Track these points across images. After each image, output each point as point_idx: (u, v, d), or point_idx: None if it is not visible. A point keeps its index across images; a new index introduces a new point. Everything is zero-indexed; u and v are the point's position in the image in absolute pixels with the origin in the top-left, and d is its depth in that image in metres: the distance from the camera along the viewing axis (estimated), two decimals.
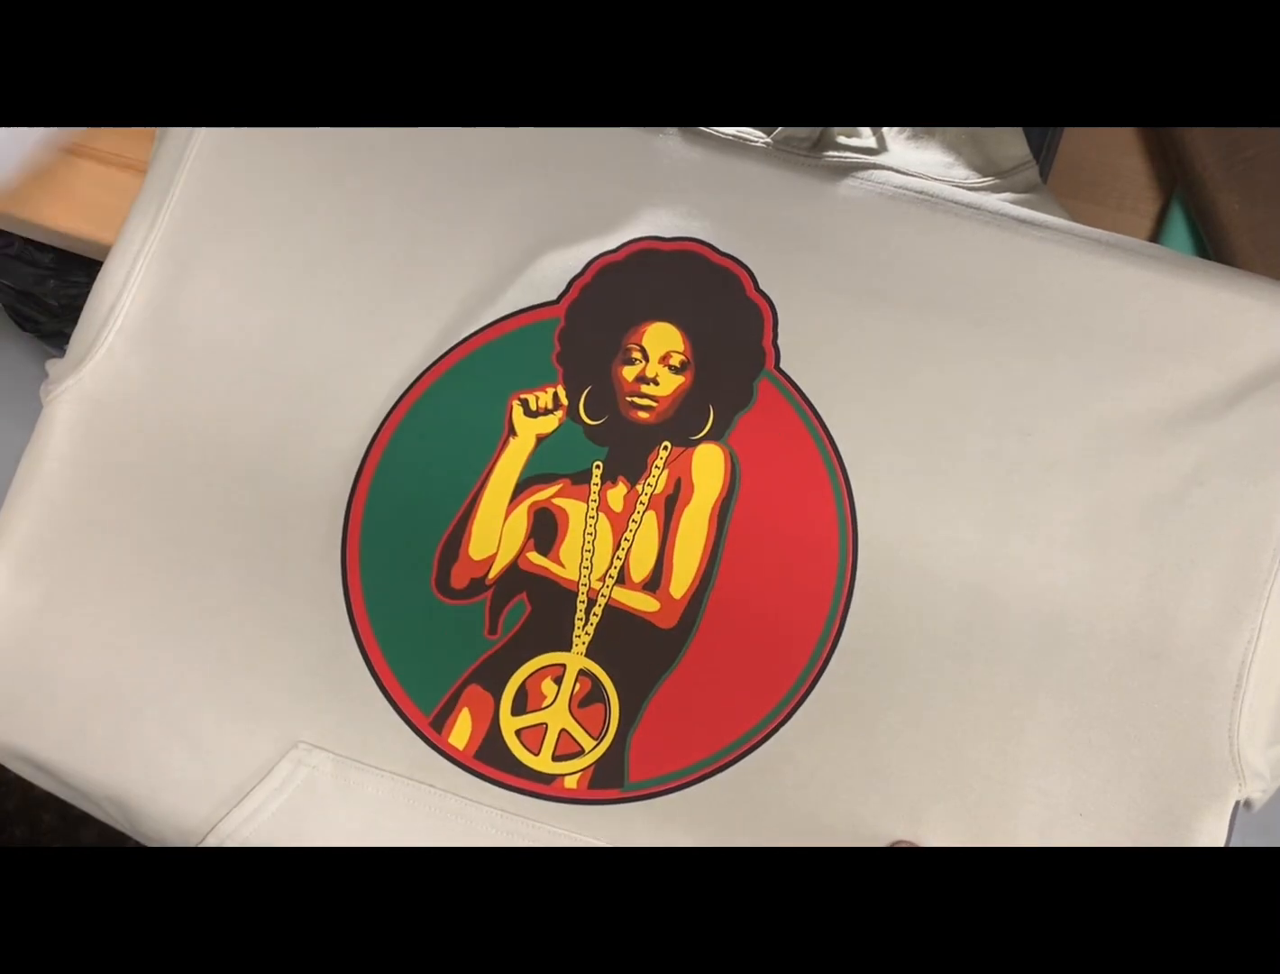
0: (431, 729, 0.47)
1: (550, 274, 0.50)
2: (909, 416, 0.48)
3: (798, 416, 0.48)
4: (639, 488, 0.48)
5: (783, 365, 0.49)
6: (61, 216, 0.62)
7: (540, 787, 0.47)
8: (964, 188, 0.52)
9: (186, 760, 0.48)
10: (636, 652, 0.47)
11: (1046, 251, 0.49)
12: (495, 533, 0.48)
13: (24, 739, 0.49)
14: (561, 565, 0.48)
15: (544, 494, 0.48)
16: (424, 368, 0.50)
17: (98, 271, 0.52)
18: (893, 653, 0.46)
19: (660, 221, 0.51)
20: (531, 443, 0.49)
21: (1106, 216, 0.56)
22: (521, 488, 0.49)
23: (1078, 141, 0.57)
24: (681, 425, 0.49)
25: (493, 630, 0.48)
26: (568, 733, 0.47)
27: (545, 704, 0.47)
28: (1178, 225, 0.56)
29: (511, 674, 0.47)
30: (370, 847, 0.46)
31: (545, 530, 0.48)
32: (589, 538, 0.48)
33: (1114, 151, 0.58)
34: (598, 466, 0.49)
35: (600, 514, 0.48)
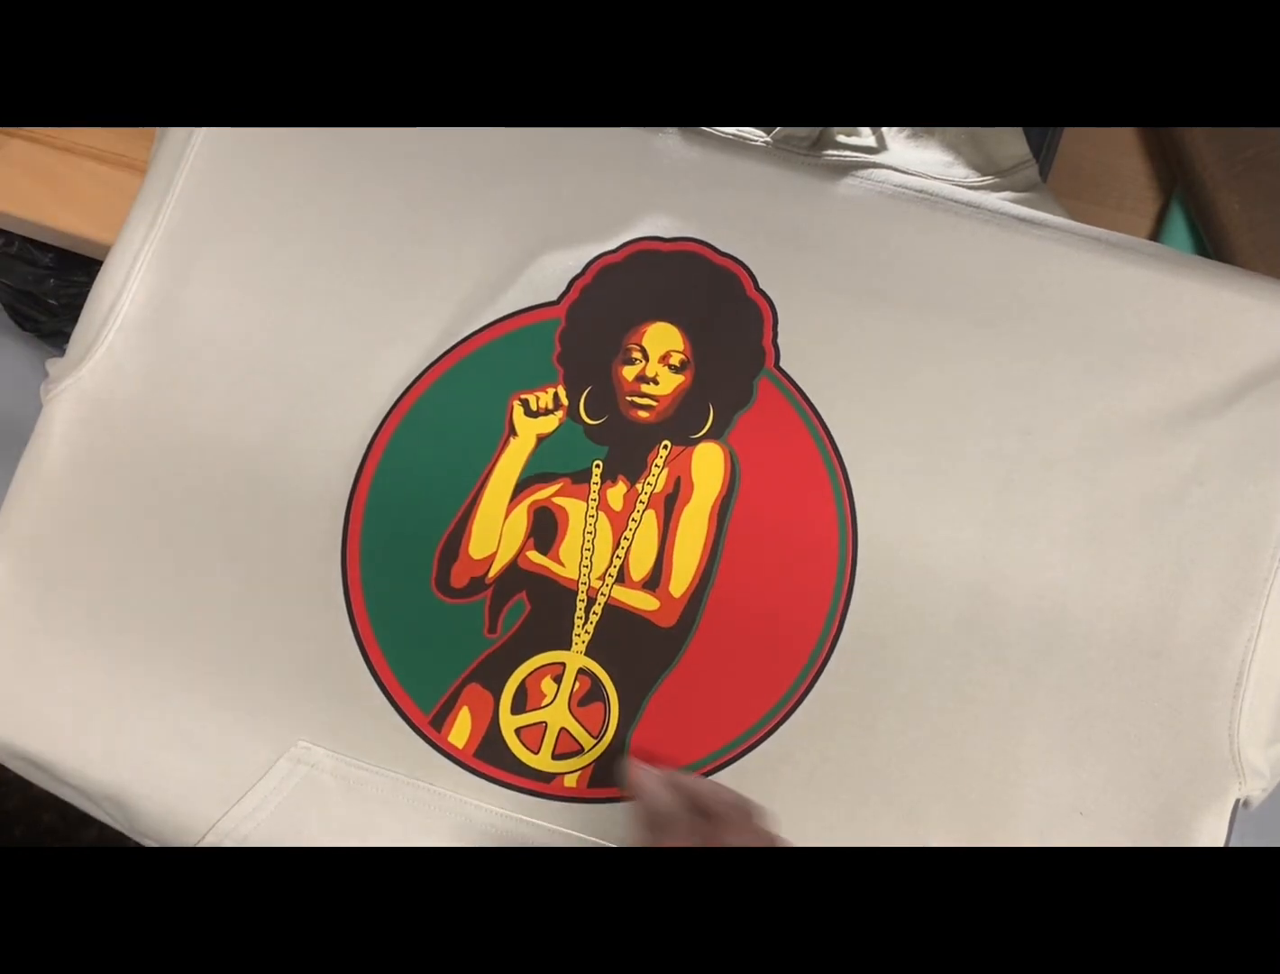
0: (431, 728, 0.47)
1: (551, 274, 0.50)
2: (909, 415, 0.48)
3: (797, 415, 0.48)
4: (639, 487, 0.48)
5: (783, 364, 0.49)
6: (61, 216, 0.62)
7: (540, 785, 0.47)
8: (964, 187, 0.52)
9: (186, 760, 0.48)
10: (636, 650, 0.47)
11: (1046, 250, 0.49)
12: (495, 532, 0.48)
13: (23, 738, 0.49)
14: (561, 564, 0.48)
15: (544, 493, 0.49)
16: (424, 367, 0.50)
17: (98, 271, 0.52)
18: (892, 652, 0.46)
19: (660, 222, 0.51)
20: (532, 442, 0.49)
21: (1106, 216, 0.56)
22: (522, 487, 0.49)
23: (1078, 141, 0.57)
24: (681, 424, 0.49)
25: (492, 629, 0.48)
26: (567, 731, 0.47)
27: (545, 703, 0.47)
28: (1178, 225, 0.56)
29: (511, 673, 0.47)
30: (369, 846, 0.46)
31: (545, 529, 0.48)
32: (589, 537, 0.48)
33: (1114, 151, 0.58)
34: (598, 466, 0.49)
35: (600, 513, 0.48)
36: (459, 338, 0.50)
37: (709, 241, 0.50)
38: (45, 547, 0.50)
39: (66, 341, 0.53)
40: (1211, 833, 0.44)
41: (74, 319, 0.53)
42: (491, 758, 0.47)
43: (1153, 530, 0.46)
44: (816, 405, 0.48)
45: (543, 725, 0.47)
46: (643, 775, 0.43)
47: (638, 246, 0.50)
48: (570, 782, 0.47)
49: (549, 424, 0.49)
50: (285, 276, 0.51)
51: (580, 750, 0.47)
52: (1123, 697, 0.45)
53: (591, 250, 0.51)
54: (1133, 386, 0.47)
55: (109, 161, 0.62)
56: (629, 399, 0.49)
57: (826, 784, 0.45)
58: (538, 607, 0.48)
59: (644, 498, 0.48)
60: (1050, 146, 0.56)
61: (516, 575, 0.48)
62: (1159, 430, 0.46)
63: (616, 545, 0.48)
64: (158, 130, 0.54)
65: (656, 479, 0.48)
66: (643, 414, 0.49)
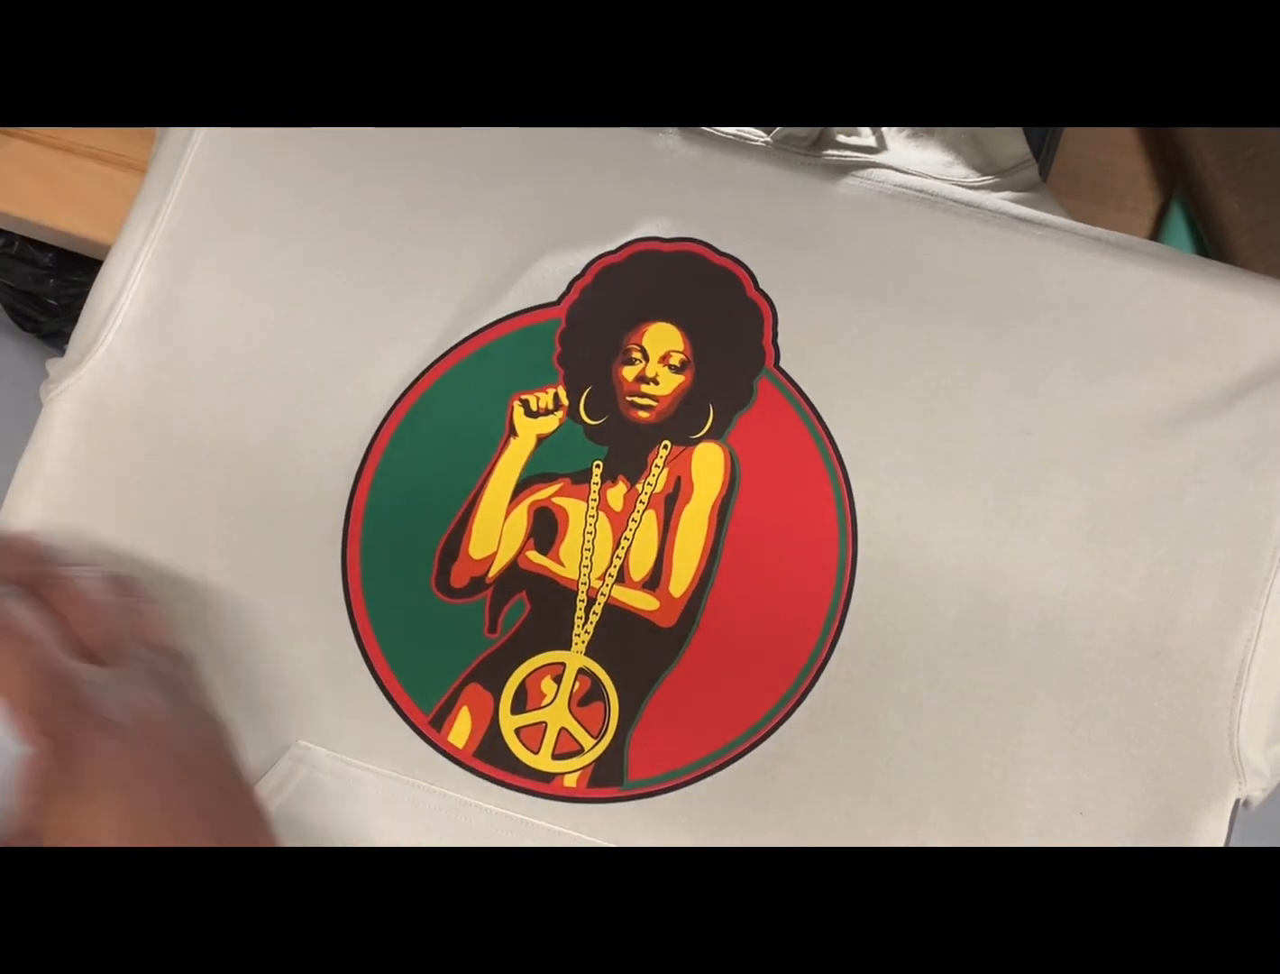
0: (431, 728, 0.47)
1: (551, 275, 0.50)
2: (909, 415, 0.48)
3: (798, 415, 0.48)
4: (639, 487, 0.48)
5: (783, 364, 0.49)
6: (61, 216, 0.62)
7: (540, 785, 0.47)
8: (964, 187, 0.52)
9: None
10: (636, 650, 0.47)
11: (1046, 250, 0.49)
12: (495, 532, 0.48)
13: None
14: (561, 564, 0.48)
15: (544, 493, 0.49)
16: (424, 368, 0.50)
17: (98, 271, 0.52)
18: (893, 652, 0.46)
19: (660, 222, 0.51)
20: (532, 443, 0.49)
21: (1106, 216, 0.56)
22: (522, 487, 0.49)
23: (1078, 141, 0.57)
24: (681, 424, 0.49)
25: (492, 629, 0.48)
26: (567, 731, 0.47)
27: (545, 703, 0.47)
28: (1178, 225, 0.56)
29: (511, 673, 0.47)
30: (369, 846, 0.46)
31: (545, 529, 0.48)
32: (589, 537, 0.48)
33: (1114, 151, 0.58)
34: (598, 466, 0.49)
35: (600, 513, 0.48)
36: (459, 338, 0.50)
37: (709, 242, 0.50)
38: None
39: (66, 342, 0.52)
40: (1211, 833, 0.44)
41: (74, 319, 0.53)
42: (491, 758, 0.47)
43: (1153, 530, 0.46)
44: (816, 405, 0.48)
45: (543, 725, 0.47)
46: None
47: (638, 247, 0.50)
48: (570, 782, 0.47)
49: (549, 424, 0.49)
50: (285, 276, 0.51)
51: (580, 750, 0.47)
52: (1123, 697, 0.45)
53: (592, 251, 0.51)
54: (1133, 386, 0.47)
55: (109, 161, 0.62)
56: (629, 399, 0.49)
57: (826, 784, 0.45)
58: (538, 606, 0.48)
59: (644, 498, 0.48)
60: (1050, 146, 0.56)
61: (516, 575, 0.48)
62: (1159, 430, 0.46)
63: (616, 545, 0.48)
64: (158, 130, 0.54)
65: (656, 479, 0.48)
66: (643, 414, 0.49)
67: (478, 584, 0.48)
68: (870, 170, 0.51)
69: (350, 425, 0.50)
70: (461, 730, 0.47)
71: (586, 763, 0.47)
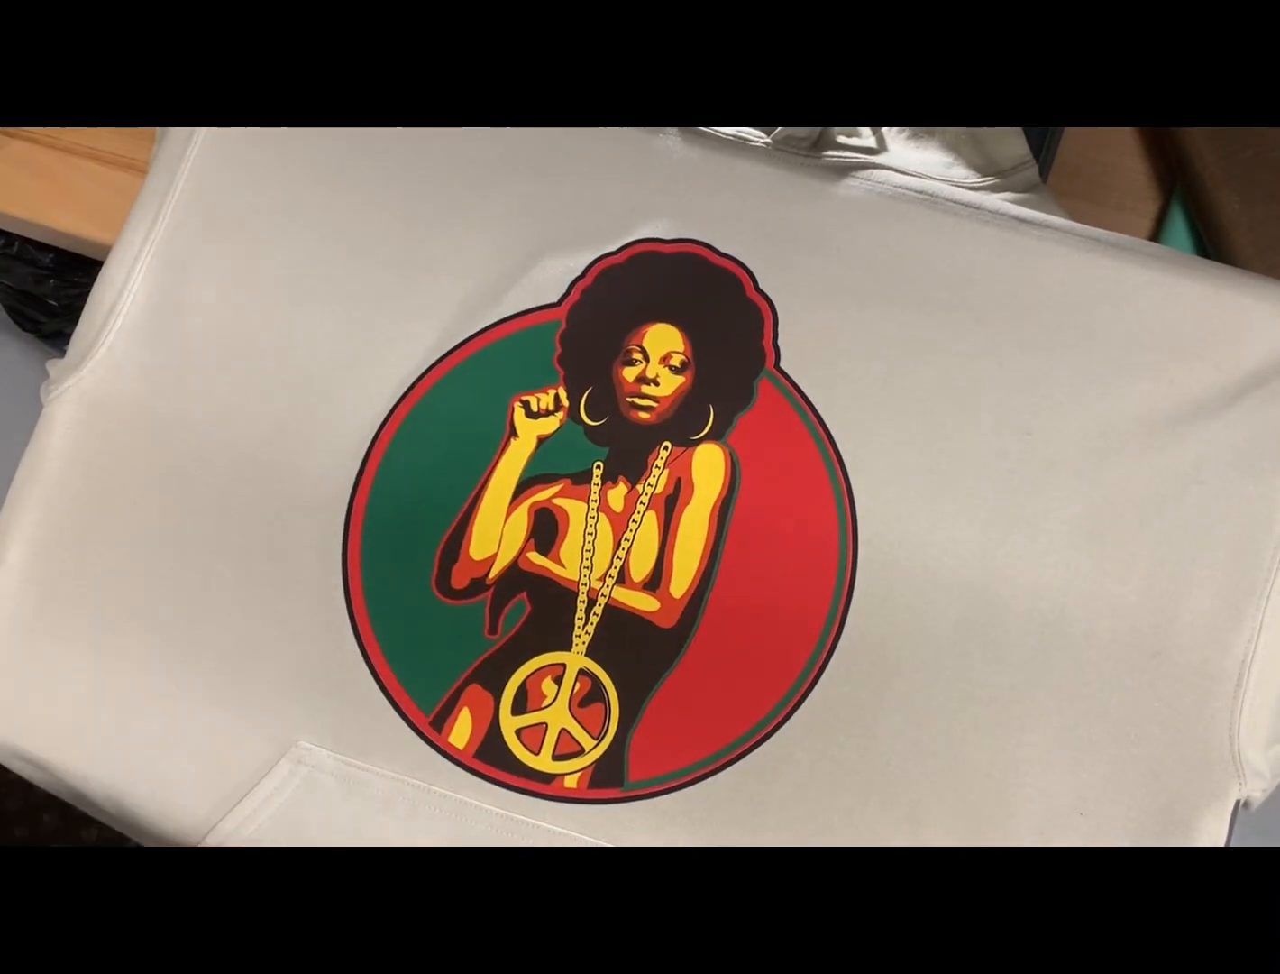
0: (431, 729, 0.47)
1: (551, 276, 0.50)
2: (909, 416, 0.48)
3: (798, 416, 0.48)
4: (639, 488, 0.48)
5: (783, 365, 0.49)
6: (61, 216, 0.62)
7: (540, 786, 0.47)
8: (964, 187, 0.52)
9: (186, 761, 0.48)
10: (636, 651, 0.47)
11: (1046, 251, 0.49)
12: (496, 533, 0.48)
13: (24, 739, 0.49)
14: (562, 565, 0.48)
15: (544, 494, 0.49)
16: (425, 369, 0.50)
17: (98, 271, 0.52)
18: (893, 652, 0.46)
19: (661, 223, 0.51)
20: (532, 444, 0.49)
21: (1106, 216, 0.56)
22: (522, 488, 0.49)
23: (1078, 141, 0.57)
24: (682, 425, 0.49)
25: (493, 630, 0.48)
26: (568, 732, 0.47)
27: (545, 704, 0.47)
28: (1178, 225, 0.56)
29: (512, 674, 0.47)
30: (370, 847, 0.46)
31: (546, 530, 0.48)
32: (589, 538, 0.48)
33: (1114, 151, 0.58)
34: (598, 467, 0.49)
35: (600, 514, 0.48)
36: (460, 339, 0.50)
37: (709, 243, 0.50)
38: (45, 547, 0.50)
39: (67, 342, 0.53)
40: (1211, 833, 0.44)
41: (74, 320, 0.53)
42: (492, 759, 0.47)
43: (1153, 530, 0.46)
44: (816, 406, 0.48)
45: (543, 726, 0.47)
46: None
47: (638, 248, 0.50)
48: (570, 782, 0.47)
49: (550, 425, 0.49)
50: (285, 277, 0.51)
51: (580, 751, 0.47)
52: (1123, 696, 0.45)
53: (592, 252, 0.51)
54: (1133, 386, 0.47)
55: (109, 161, 0.62)
56: (629, 400, 0.49)
57: (826, 784, 0.45)
58: (538, 607, 0.48)
59: (644, 499, 0.48)
60: (1050, 146, 0.56)
61: (517, 576, 0.48)
62: (1159, 430, 0.46)
63: (617, 546, 0.48)
64: (158, 130, 0.54)
65: (657, 480, 0.48)
66: (643, 415, 0.49)
67: (478, 585, 0.48)
68: (870, 171, 0.51)
69: (351, 426, 0.50)
70: (462, 731, 0.47)
71: (587, 764, 0.47)
